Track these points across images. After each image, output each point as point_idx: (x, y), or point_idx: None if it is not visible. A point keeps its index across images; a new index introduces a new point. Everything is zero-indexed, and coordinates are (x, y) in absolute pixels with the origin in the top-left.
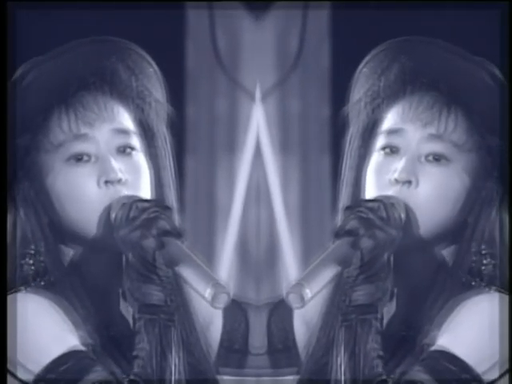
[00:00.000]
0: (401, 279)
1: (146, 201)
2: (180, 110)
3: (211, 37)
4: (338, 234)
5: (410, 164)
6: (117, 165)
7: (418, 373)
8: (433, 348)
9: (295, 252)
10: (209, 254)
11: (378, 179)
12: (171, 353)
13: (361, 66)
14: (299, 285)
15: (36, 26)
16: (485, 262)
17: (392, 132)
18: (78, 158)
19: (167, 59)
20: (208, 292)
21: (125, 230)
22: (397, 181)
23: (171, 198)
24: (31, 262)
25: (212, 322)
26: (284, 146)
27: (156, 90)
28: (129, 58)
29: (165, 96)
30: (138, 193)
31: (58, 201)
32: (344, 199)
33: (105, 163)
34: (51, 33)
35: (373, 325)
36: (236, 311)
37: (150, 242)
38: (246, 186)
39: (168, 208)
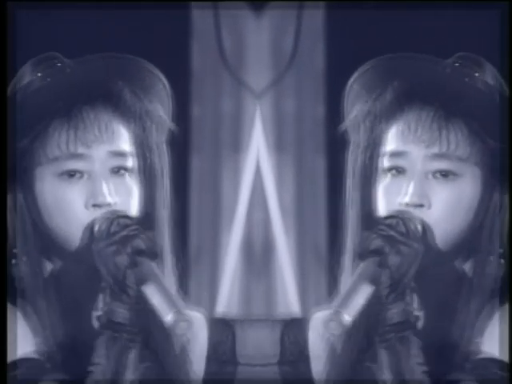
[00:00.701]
0: (425, 293)
1: (129, 218)
2: (185, 110)
3: (216, 37)
4: (363, 255)
5: (419, 186)
6: (107, 188)
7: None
8: (480, 356)
9: (290, 250)
10: (214, 252)
11: (388, 202)
12: (125, 373)
13: (351, 81)
14: (337, 312)
15: (36, 25)
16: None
17: (395, 154)
18: (71, 174)
19: (172, 59)
20: (169, 318)
21: (101, 244)
22: (408, 205)
23: (164, 217)
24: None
25: (193, 337)
26: (278, 146)
27: (162, 106)
28: (137, 77)
29: (170, 112)
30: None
31: (45, 211)
32: (353, 219)
33: (95, 185)
34: (51, 33)
35: (411, 340)
36: (223, 327)
37: (122, 259)
38: (252, 185)
39: (151, 228)
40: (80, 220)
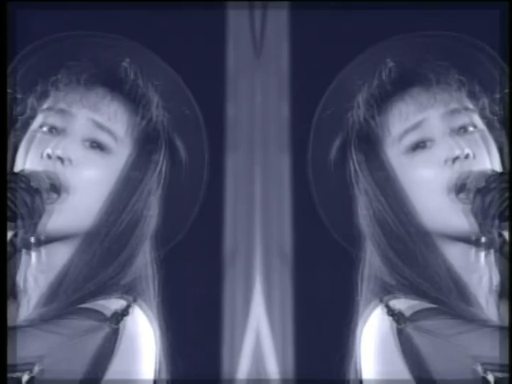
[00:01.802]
0: None
1: (21, 177)
2: (220, 109)
3: (252, 36)
4: (506, 216)
5: (454, 140)
6: (65, 145)
7: None
8: None
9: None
10: (248, 250)
11: (434, 171)
12: None
13: (344, 75)
14: None
15: (36, 26)
16: None
17: (414, 128)
18: (51, 130)
19: (208, 58)
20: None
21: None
22: (458, 158)
23: (143, 219)
24: None
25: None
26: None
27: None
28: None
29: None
30: (69, 183)
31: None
32: (386, 214)
33: (59, 137)
34: (51, 33)
35: None
36: None
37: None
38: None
39: (33, 192)
40: (33, 170)
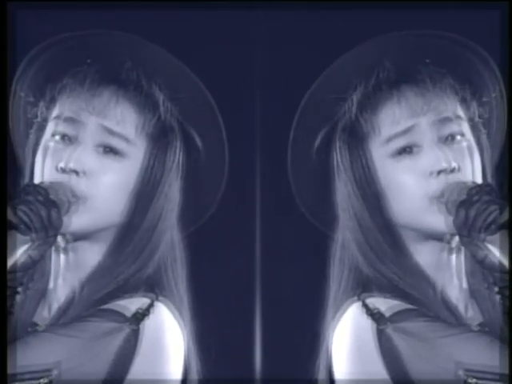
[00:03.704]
0: None
1: (39, 189)
2: (251, 108)
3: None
4: (492, 229)
5: (441, 152)
6: (79, 156)
7: None
8: None
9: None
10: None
11: (417, 179)
12: None
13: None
14: None
15: (36, 26)
16: None
17: (403, 133)
18: (63, 138)
19: (238, 59)
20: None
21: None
22: (444, 171)
23: (163, 211)
24: None
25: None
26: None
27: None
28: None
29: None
30: (87, 193)
31: (36, 168)
32: (369, 217)
33: (70, 149)
34: (51, 33)
35: None
36: None
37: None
38: None
39: (50, 205)
40: (51, 182)
